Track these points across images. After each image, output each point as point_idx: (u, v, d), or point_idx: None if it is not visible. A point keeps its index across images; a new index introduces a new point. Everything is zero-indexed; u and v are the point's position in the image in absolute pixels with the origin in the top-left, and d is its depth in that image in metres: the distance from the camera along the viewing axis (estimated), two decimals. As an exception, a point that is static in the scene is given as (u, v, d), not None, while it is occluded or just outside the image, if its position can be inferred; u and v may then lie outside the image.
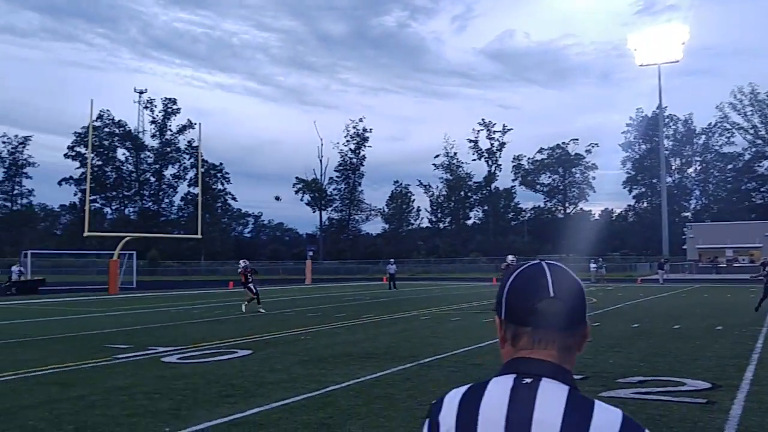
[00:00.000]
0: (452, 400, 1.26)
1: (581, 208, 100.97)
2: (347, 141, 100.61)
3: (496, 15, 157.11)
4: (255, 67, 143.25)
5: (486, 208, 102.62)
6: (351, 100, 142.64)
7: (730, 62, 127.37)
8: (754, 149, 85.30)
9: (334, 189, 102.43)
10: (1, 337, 14.52)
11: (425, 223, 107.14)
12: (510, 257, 23.02)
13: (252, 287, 21.57)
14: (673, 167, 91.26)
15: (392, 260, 42.30)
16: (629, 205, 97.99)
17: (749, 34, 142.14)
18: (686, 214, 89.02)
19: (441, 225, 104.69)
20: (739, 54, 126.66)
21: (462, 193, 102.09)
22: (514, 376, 1.24)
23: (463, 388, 1.28)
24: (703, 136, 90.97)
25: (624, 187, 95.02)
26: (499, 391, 1.22)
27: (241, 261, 22.91)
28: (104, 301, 25.18)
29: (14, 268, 40.40)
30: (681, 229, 68.79)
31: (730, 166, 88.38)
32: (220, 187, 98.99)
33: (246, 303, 21.52)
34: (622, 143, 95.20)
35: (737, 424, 6.58)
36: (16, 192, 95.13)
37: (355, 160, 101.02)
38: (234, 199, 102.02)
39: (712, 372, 9.56)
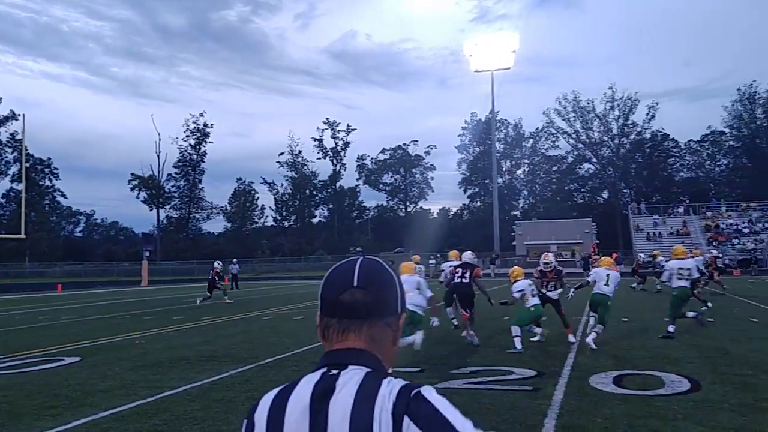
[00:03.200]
0: (267, 399, 1.28)
1: (421, 207, 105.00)
2: (187, 136, 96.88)
3: (339, 15, 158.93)
4: (87, 56, 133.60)
5: (331, 206, 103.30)
6: (191, 94, 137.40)
7: (557, 71, 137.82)
8: (575, 153, 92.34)
9: (172, 186, 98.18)
10: None
11: (270, 222, 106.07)
12: (550, 256, 13.67)
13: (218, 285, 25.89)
14: (504, 169, 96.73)
15: (235, 260, 41.28)
16: (464, 204, 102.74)
17: (573, 45, 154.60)
18: (516, 212, 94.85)
19: (286, 223, 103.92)
20: (564, 64, 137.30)
21: (307, 191, 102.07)
22: (324, 369, 1.26)
23: (280, 387, 1.29)
24: (531, 140, 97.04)
25: (460, 187, 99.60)
26: (306, 385, 1.24)
27: (216, 262, 27.16)
28: None
29: None
30: (511, 227, 73.05)
31: (554, 168, 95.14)
32: (47, 183, 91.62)
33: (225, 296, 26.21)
34: (458, 146, 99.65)
35: (559, 408, 7.08)
36: None
37: (195, 156, 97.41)
38: (64, 196, 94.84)
39: (538, 360, 10.26)
